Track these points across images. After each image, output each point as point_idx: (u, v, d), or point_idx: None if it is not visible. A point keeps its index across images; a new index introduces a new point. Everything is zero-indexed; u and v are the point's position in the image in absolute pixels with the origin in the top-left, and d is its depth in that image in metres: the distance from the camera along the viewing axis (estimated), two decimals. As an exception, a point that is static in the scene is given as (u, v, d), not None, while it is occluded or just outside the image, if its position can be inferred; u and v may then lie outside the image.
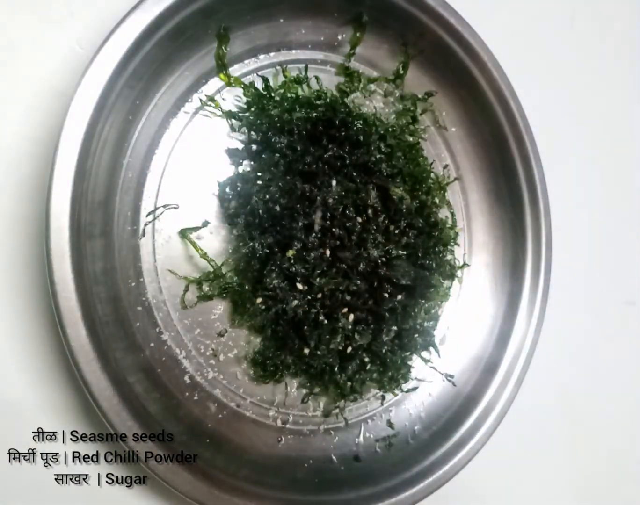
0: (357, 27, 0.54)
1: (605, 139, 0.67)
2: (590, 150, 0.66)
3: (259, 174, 0.48)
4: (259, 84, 0.52)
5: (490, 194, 0.59)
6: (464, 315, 0.57)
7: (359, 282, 0.49)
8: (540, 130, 0.60)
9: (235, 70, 0.52)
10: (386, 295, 0.49)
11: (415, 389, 0.54)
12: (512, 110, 0.55)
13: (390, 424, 0.53)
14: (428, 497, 0.48)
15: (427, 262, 0.52)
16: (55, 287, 0.39)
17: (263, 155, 0.49)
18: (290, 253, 0.47)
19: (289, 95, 0.52)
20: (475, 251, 0.59)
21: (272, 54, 0.53)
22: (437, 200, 0.56)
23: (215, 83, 0.51)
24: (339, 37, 0.54)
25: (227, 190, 0.49)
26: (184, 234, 0.48)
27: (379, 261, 0.49)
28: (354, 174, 0.50)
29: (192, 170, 0.49)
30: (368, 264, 0.49)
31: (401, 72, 0.56)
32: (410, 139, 0.56)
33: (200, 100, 0.50)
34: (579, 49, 0.67)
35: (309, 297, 0.47)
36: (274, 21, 0.52)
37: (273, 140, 0.49)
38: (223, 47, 0.50)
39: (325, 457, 0.50)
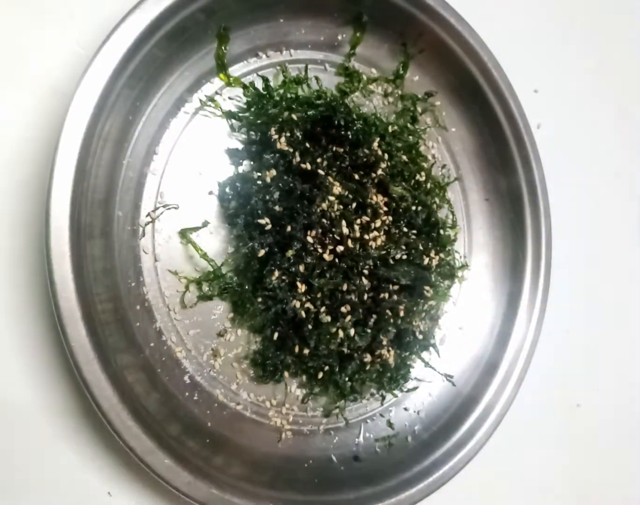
0: (357, 27, 0.54)
1: (605, 138, 0.67)
2: (591, 150, 0.66)
3: (259, 174, 0.48)
4: (259, 84, 0.52)
5: (490, 194, 0.59)
6: (464, 315, 0.57)
7: (358, 282, 0.49)
8: (540, 130, 0.60)
9: (235, 70, 0.52)
10: (386, 295, 0.49)
11: (415, 389, 0.54)
12: (512, 110, 0.55)
13: (390, 424, 0.53)
14: (428, 497, 0.48)
15: (427, 262, 0.52)
16: (55, 287, 0.39)
17: (264, 155, 0.49)
18: (289, 253, 0.47)
19: (288, 95, 0.52)
20: (475, 251, 0.59)
21: (272, 54, 0.53)
22: (437, 200, 0.56)
23: (215, 83, 0.51)
24: (339, 37, 0.54)
25: (227, 190, 0.49)
26: (184, 234, 0.48)
27: (378, 262, 0.49)
28: (354, 174, 0.50)
29: (192, 170, 0.49)
30: (367, 264, 0.49)
31: (401, 72, 0.56)
32: (410, 139, 0.56)
33: (200, 100, 0.50)
34: (579, 48, 0.67)
35: (309, 297, 0.47)
36: (274, 21, 0.52)
37: (272, 140, 0.49)
38: (223, 47, 0.50)
39: (325, 457, 0.50)
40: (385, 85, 0.57)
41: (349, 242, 0.48)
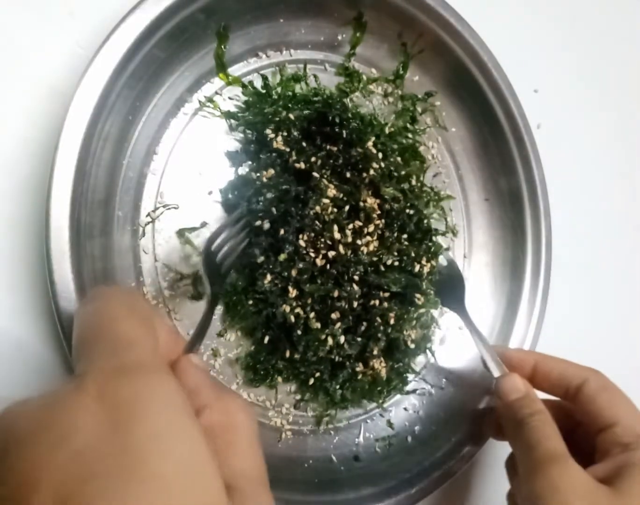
0: (357, 27, 0.54)
1: (605, 138, 0.67)
2: (591, 150, 0.66)
3: (258, 174, 0.48)
4: (258, 83, 0.52)
5: (490, 194, 0.59)
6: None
7: (349, 288, 0.48)
8: (540, 130, 0.60)
9: (236, 70, 0.52)
10: (376, 302, 0.48)
11: (415, 390, 0.54)
12: (512, 110, 0.55)
13: (390, 424, 0.53)
14: (428, 497, 0.48)
15: (418, 269, 0.51)
16: (55, 287, 0.39)
17: (260, 155, 0.49)
18: (282, 257, 0.46)
19: (286, 93, 0.52)
20: (475, 251, 0.59)
21: (272, 53, 0.53)
22: (431, 205, 0.56)
23: (215, 83, 0.51)
24: (339, 37, 0.54)
25: (230, 196, 0.49)
26: (181, 233, 0.48)
27: (369, 268, 0.48)
28: (347, 173, 0.49)
29: (192, 170, 0.49)
30: (358, 270, 0.48)
31: (401, 72, 0.56)
32: (406, 139, 0.55)
33: (200, 101, 0.50)
34: (580, 48, 0.67)
35: (299, 303, 0.47)
36: (274, 21, 0.51)
37: (268, 139, 0.48)
38: (222, 46, 0.50)
39: (325, 457, 0.50)
40: (385, 85, 0.57)
41: (341, 248, 0.47)
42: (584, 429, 0.43)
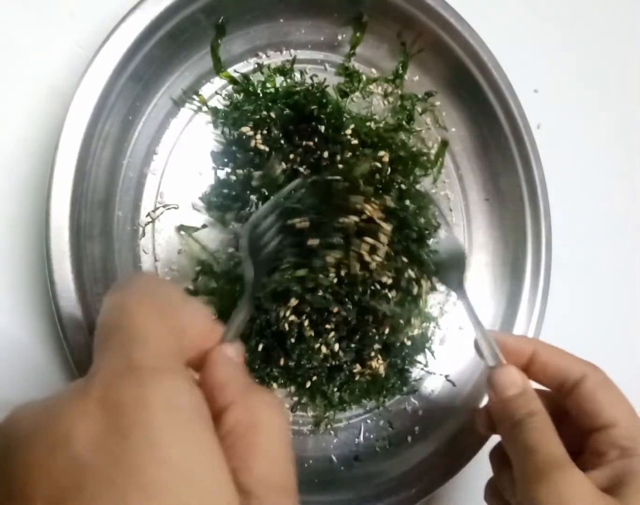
0: (357, 27, 0.54)
1: (605, 138, 0.67)
2: (591, 150, 0.66)
3: (240, 171, 0.47)
4: (255, 80, 0.52)
5: (490, 194, 0.59)
6: (464, 315, 0.57)
7: (349, 305, 0.46)
8: (540, 130, 0.60)
9: (235, 70, 0.52)
10: (370, 318, 0.47)
11: (415, 391, 0.54)
12: (512, 110, 0.55)
13: (390, 424, 0.53)
14: (428, 497, 0.48)
15: (417, 290, 0.49)
16: (55, 287, 0.39)
17: (237, 155, 0.48)
18: (301, 272, 0.44)
19: (267, 90, 0.51)
20: (475, 251, 0.59)
21: (272, 54, 0.53)
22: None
23: (215, 83, 0.51)
24: (339, 37, 0.54)
25: (213, 199, 0.48)
26: (185, 229, 0.48)
27: (369, 289, 0.46)
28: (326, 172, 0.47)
29: (192, 170, 0.49)
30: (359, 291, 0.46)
31: (400, 71, 0.56)
32: (381, 124, 0.54)
33: (182, 90, 0.49)
34: (580, 48, 0.67)
35: (294, 312, 0.46)
36: (274, 21, 0.51)
37: (244, 137, 0.48)
38: (218, 40, 0.49)
39: (325, 457, 0.50)
40: (385, 85, 0.57)
41: (356, 266, 0.45)
42: (571, 424, 0.40)
